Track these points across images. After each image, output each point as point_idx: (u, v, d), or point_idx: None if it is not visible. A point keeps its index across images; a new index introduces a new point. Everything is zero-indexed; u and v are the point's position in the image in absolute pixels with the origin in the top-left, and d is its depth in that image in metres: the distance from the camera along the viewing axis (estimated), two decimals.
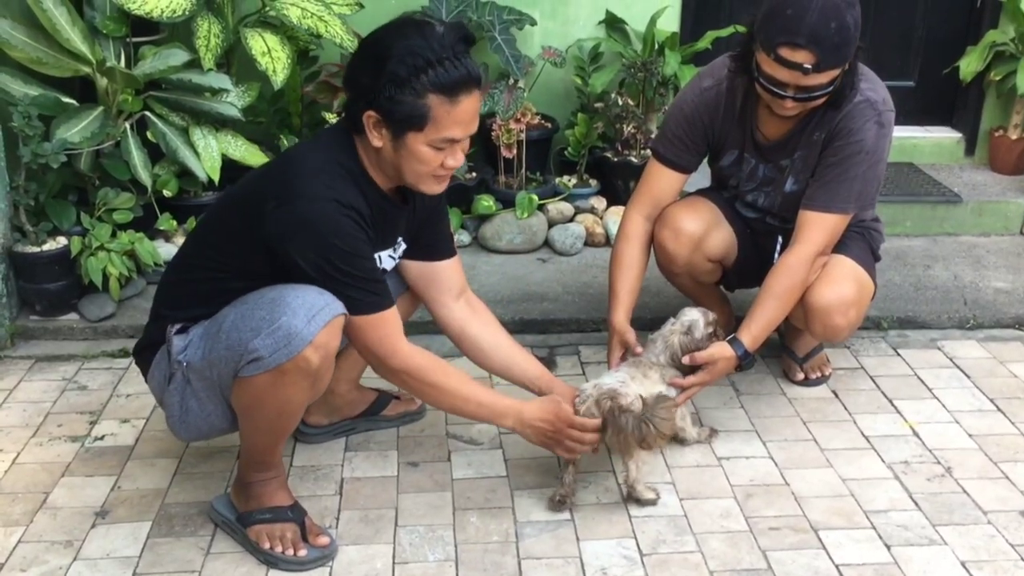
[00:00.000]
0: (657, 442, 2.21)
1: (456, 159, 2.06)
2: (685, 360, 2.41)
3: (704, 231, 2.70)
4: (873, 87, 2.49)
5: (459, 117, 1.99)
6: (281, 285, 2.02)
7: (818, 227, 2.51)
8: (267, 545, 2.15)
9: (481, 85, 2.04)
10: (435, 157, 2.03)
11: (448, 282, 2.38)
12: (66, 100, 3.19)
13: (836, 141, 2.48)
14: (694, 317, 2.46)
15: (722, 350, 2.44)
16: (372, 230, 2.08)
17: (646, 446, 2.21)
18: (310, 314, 1.96)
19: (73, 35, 3.17)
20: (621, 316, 2.55)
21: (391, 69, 1.95)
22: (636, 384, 2.29)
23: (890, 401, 2.85)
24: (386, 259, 2.25)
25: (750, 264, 2.74)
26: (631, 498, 2.35)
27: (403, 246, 2.30)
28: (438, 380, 2.16)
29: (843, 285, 2.58)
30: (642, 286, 2.69)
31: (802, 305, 2.59)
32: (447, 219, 2.41)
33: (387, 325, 2.09)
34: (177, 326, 2.12)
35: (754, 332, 2.48)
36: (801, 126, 2.53)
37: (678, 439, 2.56)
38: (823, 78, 2.33)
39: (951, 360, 3.08)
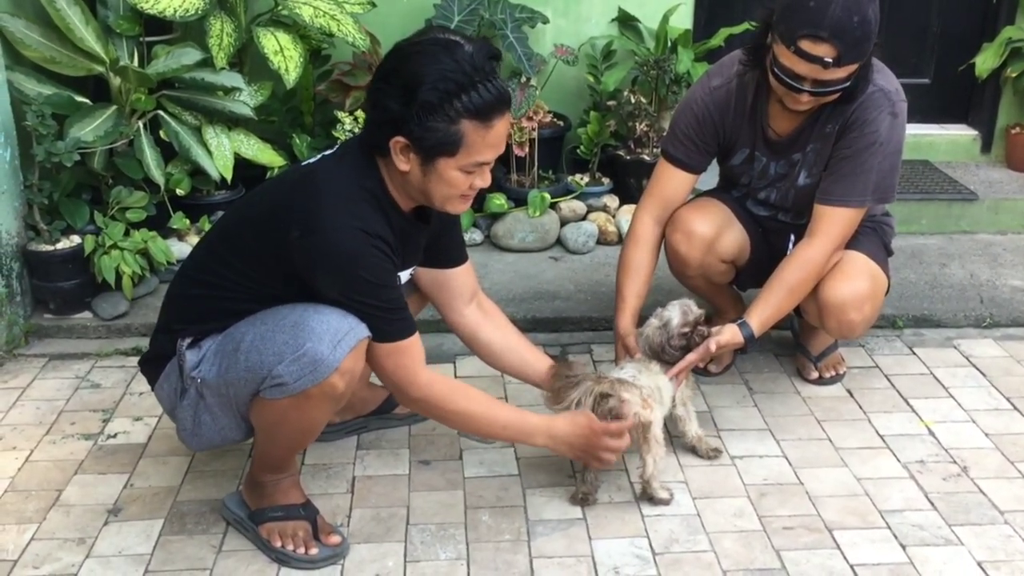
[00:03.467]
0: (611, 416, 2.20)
1: (485, 179, 2.03)
2: (713, 347, 2.40)
3: (716, 233, 2.68)
4: (885, 77, 2.47)
5: (492, 140, 1.96)
6: (301, 305, 1.99)
7: (835, 221, 2.49)
8: (278, 543, 2.15)
9: (511, 104, 2.01)
10: (465, 180, 1.99)
11: (460, 288, 2.37)
12: (80, 99, 3.20)
13: (850, 133, 2.46)
14: (671, 314, 2.43)
15: (734, 336, 2.44)
16: (398, 256, 2.05)
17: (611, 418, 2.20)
18: (335, 339, 1.93)
19: (87, 34, 3.18)
20: (626, 320, 2.54)
21: (423, 97, 1.88)
22: (644, 378, 2.28)
23: (905, 400, 2.83)
24: (403, 274, 2.23)
25: (763, 263, 2.72)
26: (645, 495, 2.34)
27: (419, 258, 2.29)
28: (460, 407, 2.13)
29: (857, 281, 2.56)
30: (654, 285, 2.67)
31: (816, 301, 2.57)
32: (459, 227, 2.39)
33: (407, 354, 2.06)
34: (188, 339, 2.09)
35: (761, 318, 2.48)
36: (812, 119, 2.51)
37: (680, 432, 2.54)
38: (842, 73, 2.31)
39: (967, 359, 3.06)
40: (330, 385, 1.96)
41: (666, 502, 2.33)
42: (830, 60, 2.27)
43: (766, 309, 2.49)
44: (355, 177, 2.00)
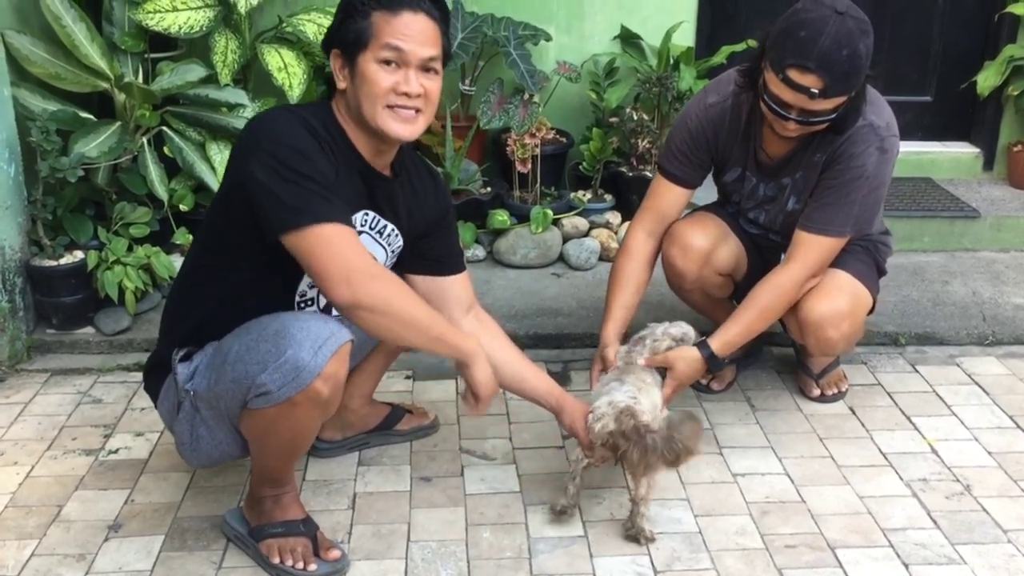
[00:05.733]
0: (686, 459, 2.16)
1: (409, 84, 2.01)
2: (641, 361, 2.39)
3: (712, 246, 2.69)
4: (877, 111, 2.46)
5: (399, 27, 1.99)
6: (284, 314, 2.00)
7: (813, 249, 2.50)
8: (277, 559, 2.15)
9: (434, 16, 2.02)
10: (384, 76, 2.00)
11: (457, 298, 2.36)
12: (84, 115, 3.21)
13: (836, 164, 2.47)
14: (685, 330, 2.45)
15: (679, 353, 2.43)
16: (335, 158, 2.01)
17: (675, 464, 2.16)
18: (316, 345, 1.92)
19: (92, 51, 3.20)
20: (611, 330, 2.54)
21: (345, 2, 2.02)
22: (643, 395, 2.25)
23: (908, 418, 2.82)
24: (374, 245, 2.17)
25: (760, 276, 2.72)
26: (632, 522, 2.27)
27: (399, 240, 2.23)
28: (404, 305, 2.00)
29: (836, 298, 2.57)
30: (655, 301, 2.67)
31: (796, 318, 2.58)
32: (455, 233, 2.39)
33: (348, 239, 1.94)
34: (181, 352, 2.11)
35: (725, 337, 2.47)
36: (804, 146, 2.51)
37: None
38: (828, 104, 2.31)
39: (970, 377, 3.05)
40: (314, 391, 1.95)
41: (649, 540, 2.26)
42: (816, 91, 2.27)
43: (731, 329, 2.48)
44: (304, 106, 2.14)
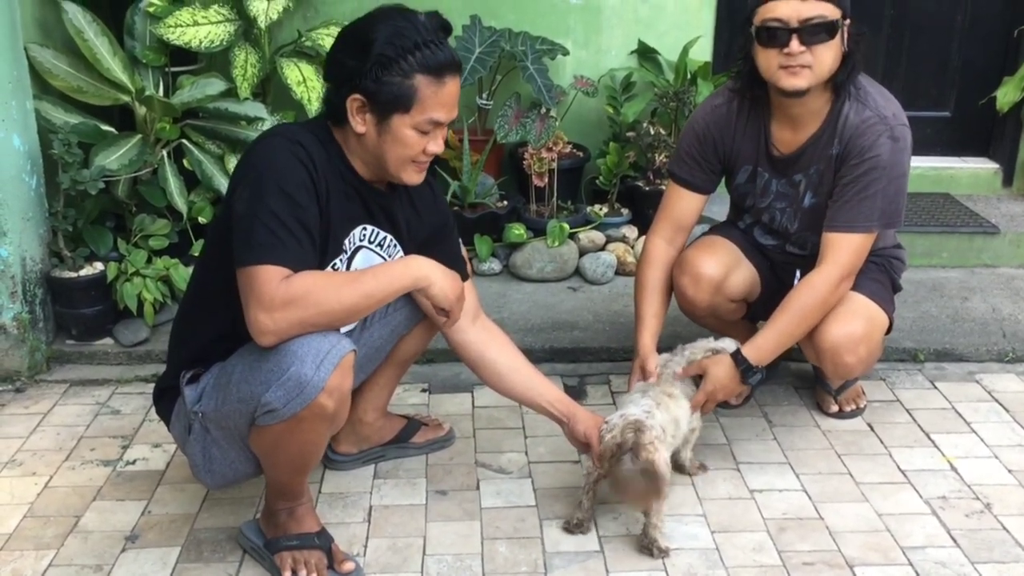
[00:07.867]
0: (646, 502, 2.18)
1: (438, 145, 2.06)
2: (678, 371, 2.42)
3: (723, 273, 2.67)
4: (882, 104, 2.47)
5: (444, 99, 2.01)
6: None
7: (843, 248, 2.47)
8: (289, 571, 2.14)
9: (461, 70, 2.07)
10: (419, 141, 2.02)
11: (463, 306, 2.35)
12: (105, 128, 3.24)
13: (850, 160, 2.46)
14: (727, 344, 2.45)
15: (713, 358, 2.43)
16: (331, 181, 2.01)
17: (621, 497, 2.18)
18: (318, 359, 1.92)
19: (113, 65, 3.23)
20: (647, 339, 2.54)
21: (378, 50, 1.95)
22: (661, 410, 2.26)
23: (927, 435, 2.80)
24: (375, 258, 2.17)
25: (775, 298, 2.70)
26: (645, 533, 2.26)
27: (399, 251, 2.23)
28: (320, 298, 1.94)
29: (851, 323, 2.54)
30: (672, 316, 2.66)
31: (812, 344, 2.56)
32: (457, 242, 2.39)
33: (273, 279, 1.88)
34: (188, 375, 2.12)
35: (759, 343, 2.45)
36: (815, 139, 2.51)
37: (676, 462, 2.50)
38: (822, 8, 2.31)
39: (989, 393, 3.03)
40: (319, 406, 1.95)
41: (664, 553, 2.25)
42: None
43: (766, 335, 2.46)
44: (304, 126, 2.10)
